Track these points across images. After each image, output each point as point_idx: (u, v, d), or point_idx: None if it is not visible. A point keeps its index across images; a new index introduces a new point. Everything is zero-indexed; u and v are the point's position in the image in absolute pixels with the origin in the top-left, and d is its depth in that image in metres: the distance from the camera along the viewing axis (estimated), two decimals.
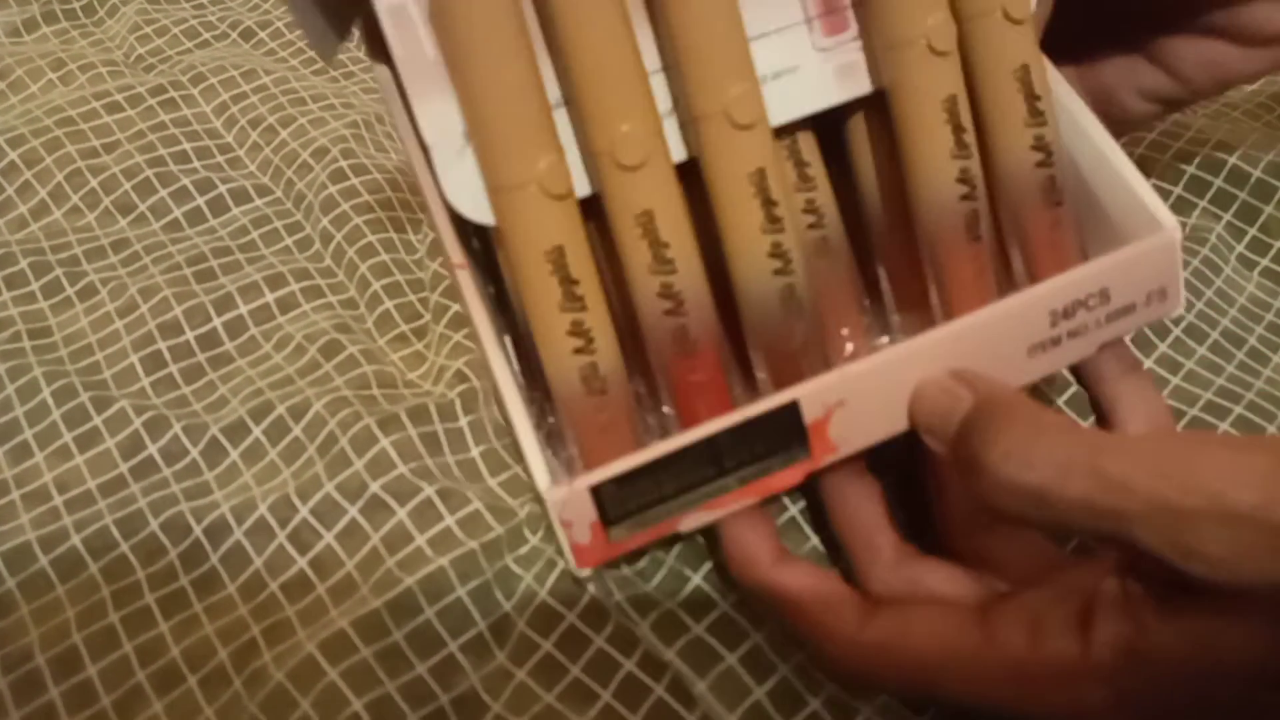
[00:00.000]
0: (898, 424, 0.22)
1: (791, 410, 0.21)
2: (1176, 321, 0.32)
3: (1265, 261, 0.35)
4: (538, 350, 0.22)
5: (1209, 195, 0.36)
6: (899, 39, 0.23)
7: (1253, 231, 0.35)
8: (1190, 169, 0.36)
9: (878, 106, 0.24)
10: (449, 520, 0.27)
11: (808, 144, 0.25)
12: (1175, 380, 0.31)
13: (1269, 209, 0.35)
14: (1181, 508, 0.17)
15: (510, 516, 0.27)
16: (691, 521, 0.22)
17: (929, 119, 0.23)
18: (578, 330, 0.21)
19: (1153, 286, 0.24)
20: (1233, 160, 0.36)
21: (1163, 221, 0.23)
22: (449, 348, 0.32)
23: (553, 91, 0.22)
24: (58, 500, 0.29)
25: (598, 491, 0.21)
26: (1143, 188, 0.24)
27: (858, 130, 0.25)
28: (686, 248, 0.22)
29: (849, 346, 0.26)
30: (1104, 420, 0.25)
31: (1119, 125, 0.29)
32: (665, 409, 0.23)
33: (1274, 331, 0.33)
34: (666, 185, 0.22)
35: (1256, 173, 0.36)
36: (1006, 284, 0.25)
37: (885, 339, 0.27)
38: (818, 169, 0.25)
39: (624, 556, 0.25)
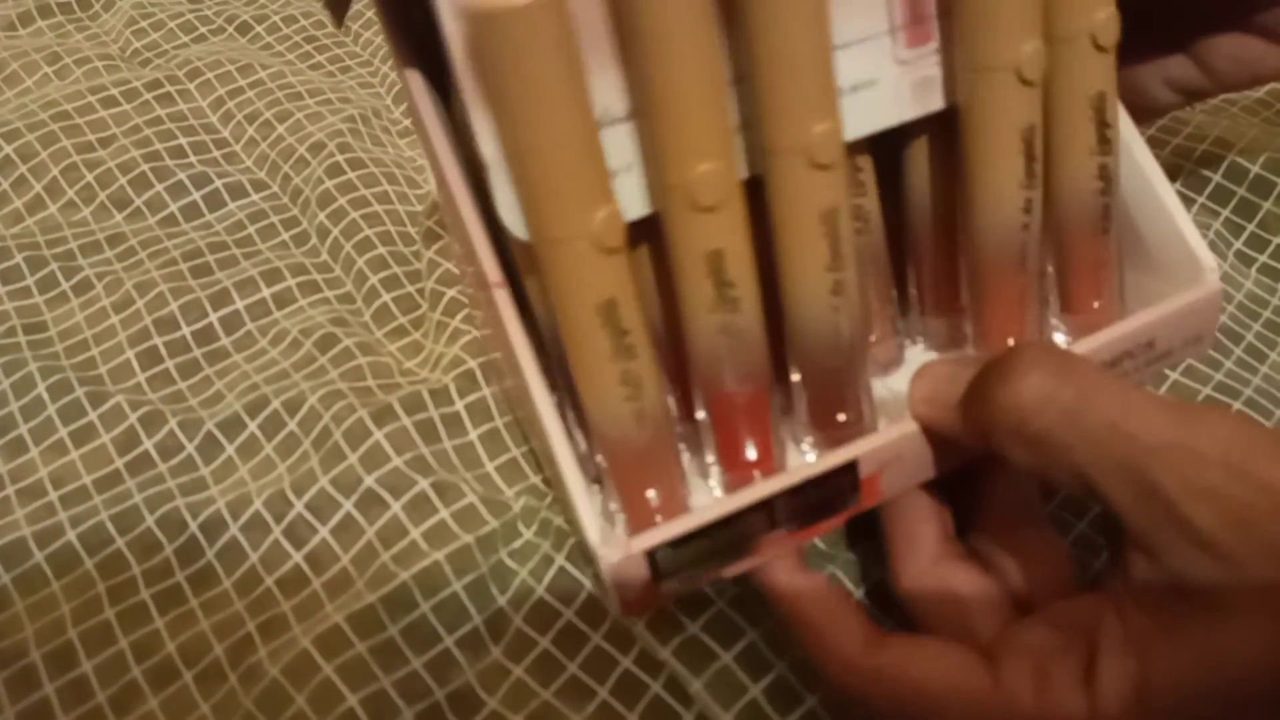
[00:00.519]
0: (942, 467, 0.23)
1: (849, 469, 0.22)
2: None
3: (1263, 258, 0.35)
4: (580, 395, 0.21)
5: (1207, 191, 0.36)
6: (987, 63, 0.21)
7: (1251, 227, 0.35)
8: (1188, 165, 0.36)
9: (944, 121, 0.23)
10: (444, 514, 0.27)
11: (862, 149, 0.24)
12: (1174, 375, 0.31)
13: (1267, 205, 0.35)
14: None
15: (505, 510, 0.27)
16: (735, 569, 0.22)
17: (1005, 147, 0.22)
18: (628, 380, 0.21)
19: (1191, 334, 0.24)
20: (1231, 156, 0.36)
21: (1205, 266, 0.23)
22: (446, 334, 0.32)
23: (602, 103, 0.20)
24: (53, 496, 0.29)
25: (652, 554, 0.21)
26: (1188, 227, 0.23)
27: (919, 142, 0.25)
28: (750, 287, 0.21)
29: (879, 351, 0.26)
30: None
31: (1140, 113, 0.29)
32: (699, 414, 0.23)
33: (1271, 327, 0.33)
34: (740, 226, 0.21)
35: (1255, 169, 0.36)
36: (1037, 300, 0.25)
37: (908, 342, 0.27)
38: (869, 174, 0.24)
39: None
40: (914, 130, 0.24)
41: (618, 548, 0.20)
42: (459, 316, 0.32)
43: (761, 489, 0.21)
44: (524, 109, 0.18)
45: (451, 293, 0.33)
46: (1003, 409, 0.19)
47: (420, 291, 0.34)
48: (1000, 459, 0.20)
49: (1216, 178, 0.36)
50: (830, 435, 0.23)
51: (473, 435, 0.29)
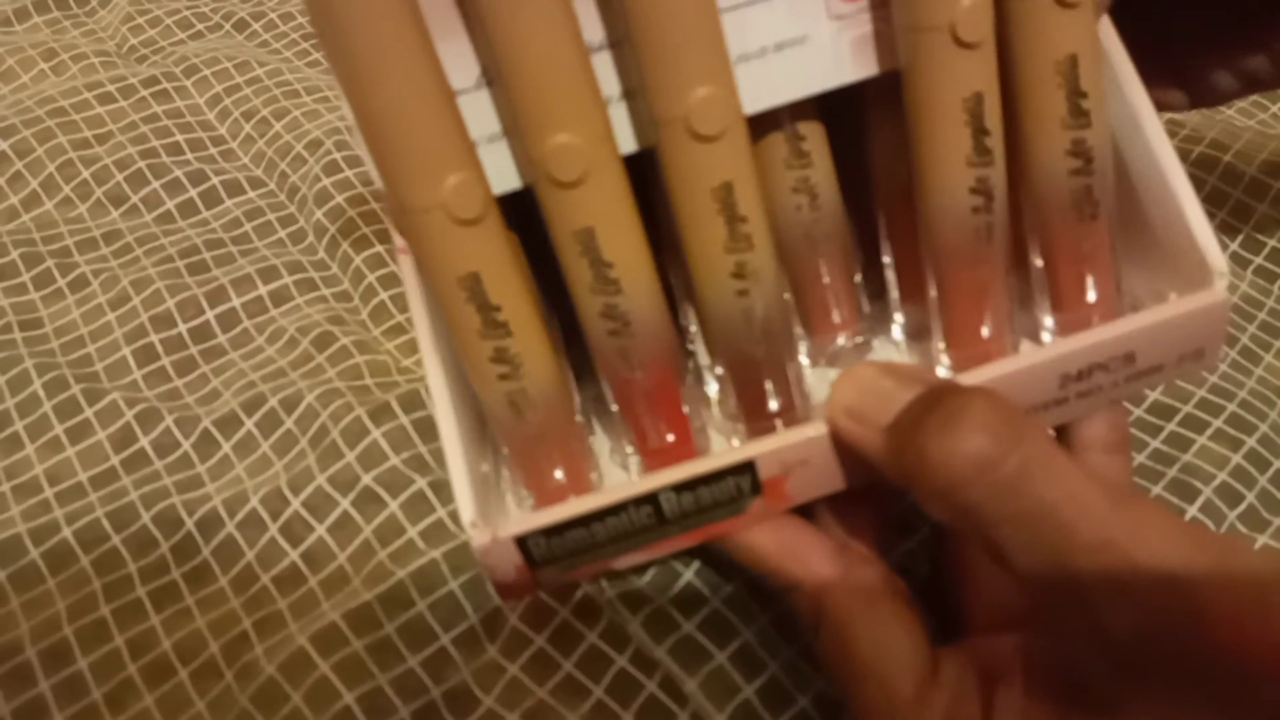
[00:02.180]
0: (850, 481, 0.21)
1: (746, 469, 0.20)
2: None
3: (1259, 260, 0.35)
4: (467, 374, 0.20)
5: (1203, 193, 0.36)
6: (920, 21, 0.19)
7: (1246, 229, 0.35)
8: (1184, 167, 0.36)
9: (895, 81, 0.21)
10: (441, 512, 0.27)
11: (807, 115, 0.22)
12: None
13: (1262, 207, 0.35)
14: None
15: None
16: (625, 562, 0.21)
17: (946, 119, 0.19)
18: (501, 357, 0.20)
19: (1188, 348, 0.21)
20: (1226, 159, 0.36)
21: (1213, 270, 0.20)
22: None
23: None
24: (49, 492, 0.29)
25: (523, 541, 0.20)
26: (1199, 221, 0.21)
27: (876, 109, 0.22)
28: (633, 267, 0.20)
29: (840, 338, 0.24)
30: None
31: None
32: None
33: (1266, 330, 0.33)
34: (614, 201, 0.19)
35: (1250, 171, 0.36)
36: (1026, 294, 0.23)
37: (893, 330, 0.25)
38: (816, 143, 0.22)
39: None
40: (871, 94, 0.22)
41: (485, 531, 0.19)
42: None
43: (646, 482, 0.20)
44: (364, 71, 0.17)
45: None
46: (933, 466, 0.17)
47: None
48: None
49: (1212, 180, 0.36)
50: (761, 427, 0.22)
51: None
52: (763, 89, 0.20)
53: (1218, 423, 0.30)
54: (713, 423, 0.23)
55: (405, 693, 0.24)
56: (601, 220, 0.19)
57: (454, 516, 0.27)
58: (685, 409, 0.22)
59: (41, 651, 0.26)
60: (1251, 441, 0.29)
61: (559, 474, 0.21)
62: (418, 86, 0.17)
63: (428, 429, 0.29)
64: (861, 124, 0.23)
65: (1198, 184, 0.36)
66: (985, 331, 0.22)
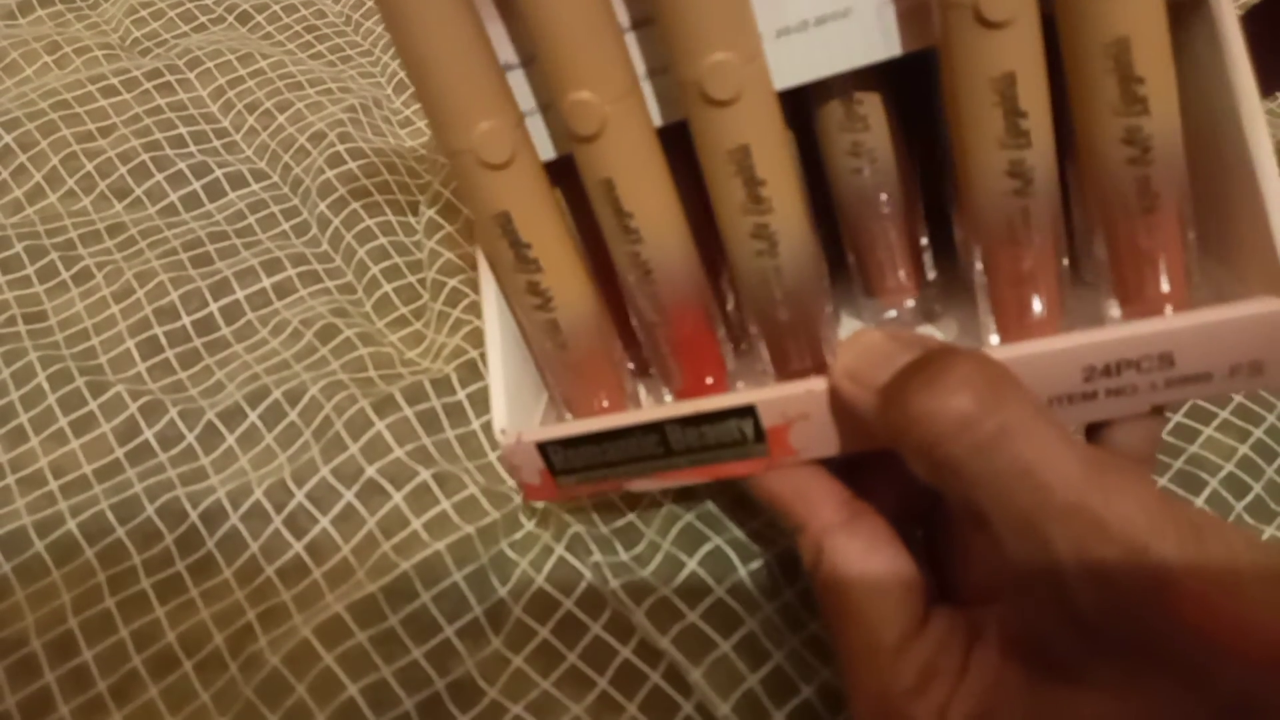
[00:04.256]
0: (850, 444, 0.21)
1: (747, 413, 0.21)
2: None
3: None
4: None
5: None
6: None
7: None
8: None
9: None
10: (445, 504, 0.27)
11: (864, 81, 0.22)
12: None
13: None
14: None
15: (506, 501, 0.27)
16: (641, 485, 0.22)
17: (975, 99, 0.19)
18: (534, 290, 0.22)
19: (1241, 359, 0.19)
20: None
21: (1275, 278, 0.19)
22: (448, 325, 0.32)
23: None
24: (53, 485, 0.29)
25: (544, 447, 0.22)
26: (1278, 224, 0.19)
27: (936, 84, 0.22)
28: (653, 217, 0.21)
29: (909, 301, 0.24)
30: None
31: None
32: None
33: None
34: (632, 153, 0.20)
35: None
36: (1077, 289, 0.22)
37: (934, 318, 0.25)
38: (873, 108, 0.22)
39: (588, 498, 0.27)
40: (937, 68, 0.21)
41: (512, 434, 0.22)
42: (461, 306, 0.32)
43: (655, 412, 0.21)
44: (410, 27, 0.19)
45: (453, 283, 0.33)
46: (916, 421, 0.17)
47: (421, 282, 0.34)
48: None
49: None
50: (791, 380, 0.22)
51: (475, 425, 0.29)
52: (802, 62, 0.20)
53: (1224, 414, 0.30)
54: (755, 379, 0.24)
55: (409, 684, 0.24)
56: (621, 172, 0.20)
57: (458, 508, 0.27)
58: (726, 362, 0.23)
59: (47, 643, 0.26)
60: (1259, 433, 0.29)
61: (606, 403, 0.23)
62: (454, 42, 0.19)
63: (431, 421, 0.29)
64: (931, 92, 0.23)
65: None
66: (1035, 313, 0.21)
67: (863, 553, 0.21)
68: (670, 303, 0.22)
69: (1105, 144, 0.20)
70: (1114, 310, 0.22)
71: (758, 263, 0.21)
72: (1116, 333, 0.19)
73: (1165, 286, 0.21)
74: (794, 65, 0.21)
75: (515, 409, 0.23)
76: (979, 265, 0.22)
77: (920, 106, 0.23)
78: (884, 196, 0.23)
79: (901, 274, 0.24)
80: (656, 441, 0.22)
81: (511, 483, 0.28)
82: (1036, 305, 0.21)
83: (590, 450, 0.22)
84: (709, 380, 0.23)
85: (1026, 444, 0.17)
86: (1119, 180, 0.20)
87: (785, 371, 0.23)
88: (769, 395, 0.21)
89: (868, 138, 0.22)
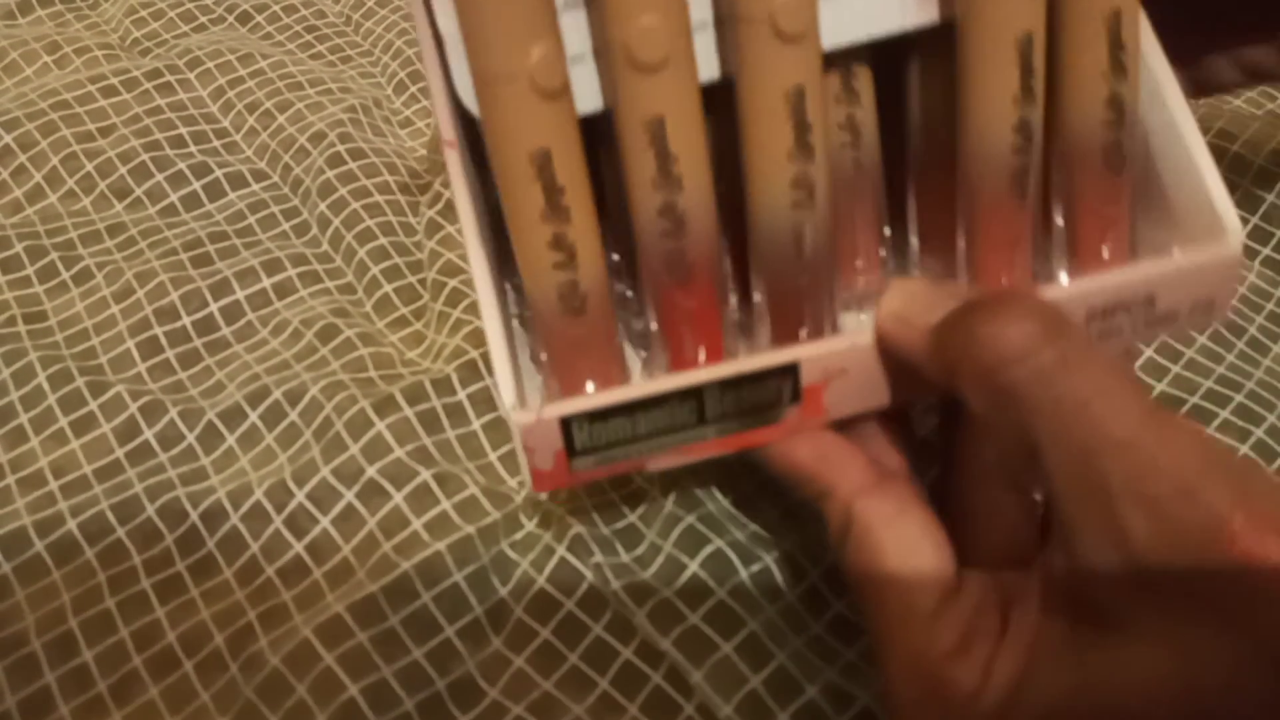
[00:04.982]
0: (885, 399, 0.21)
1: (789, 371, 0.20)
2: None
3: (1267, 250, 0.35)
4: (516, 259, 0.20)
5: None
6: None
7: (1254, 220, 0.35)
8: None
9: (948, 33, 0.21)
10: (445, 505, 0.27)
11: (859, 56, 0.23)
12: (1176, 368, 0.31)
13: (1270, 198, 0.35)
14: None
15: (507, 501, 0.27)
16: (659, 463, 0.21)
17: (997, 57, 0.20)
18: (559, 244, 0.20)
19: (1201, 297, 0.22)
20: (1234, 149, 0.36)
21: (1228, 228, 0.21)
22: (449, 325, 0.32)
23: None
24: (53, 485, 0.29)
25: (567, 423, 0.20)
26: (1214, 182, 0.21)
27: (925, 59, 0.23)
28: (697, 164, 0.20)
29: (860, 281, 0.24)
30: None
31: (1200, 88, 0.27)
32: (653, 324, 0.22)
33: (1274, 321, 0.33)
34: (685, 91, 0.19)
35: (1258, 161, 0.35)
36: (1043, 247, 0.23)
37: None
38: (865, 85, 0.23)
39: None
40: (921, 47, 0.23)
41: (530, 411, 0.20)
42: (461, 306, 0.32)
43: (693, 376, 0.20)
44: None
45: (453, 283, 0.33)
46: (980, 347, 0.18)
47: (422, 282, 0.34)
48: (962, 409, 0.19)
49: (1220, 170, 0.36)
50: None
51: (476, 425, 0.29)
52: (841, 25, 0.21)
53: (1225, 414, 0.30)
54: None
55: (410, 684, 0.24)
56: (674, 110, 0.19)
57: (459, 509, 0.27)
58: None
59: (47, 643, 0.26)
60: (1259, 432, 0.29)
61: (590, 388, 0.21)
62: None
63: (432, 421, 0.29)
64: (901, 83, 0.24)
65: None
66: (1009, 281, 0.22)
67: (894, 515, 0.20)
68: (694, 260, 0.21)
69: (1093, 106, 0.21)
70: (1062, 275, 0.23)
71: (791, 216, 0.20)
72: (1113, 278, 0.21)
73: (1112, 252, 0.23)
74: (841, 25, 0.21)
75: (519, 381, 0.21)
76: (961, 238, 0.23)
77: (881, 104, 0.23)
78: (862, 174, 0.23)
79: (868, 255, 0.24)
80: (691, 409, 0.20)
81: (511, 481, 0.28)
82: (1015, 271, 0.22)
83: (619, 424, 0.20)
84: (701, 356, 0.22)
85: (1085, 376, 0.17)
86: (1097, 142, 0.21)
87: (787, 339, 0.22)
88: (812, 351, 0.20)
89: (859, 111, 0.23)
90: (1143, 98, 0.22)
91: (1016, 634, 0.18)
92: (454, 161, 0.21)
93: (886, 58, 0.23)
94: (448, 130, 0.21)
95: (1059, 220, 0.23)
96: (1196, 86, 0.24)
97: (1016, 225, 0.22)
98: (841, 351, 0.20)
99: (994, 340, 0.18)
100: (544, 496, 0.28)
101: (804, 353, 0.20)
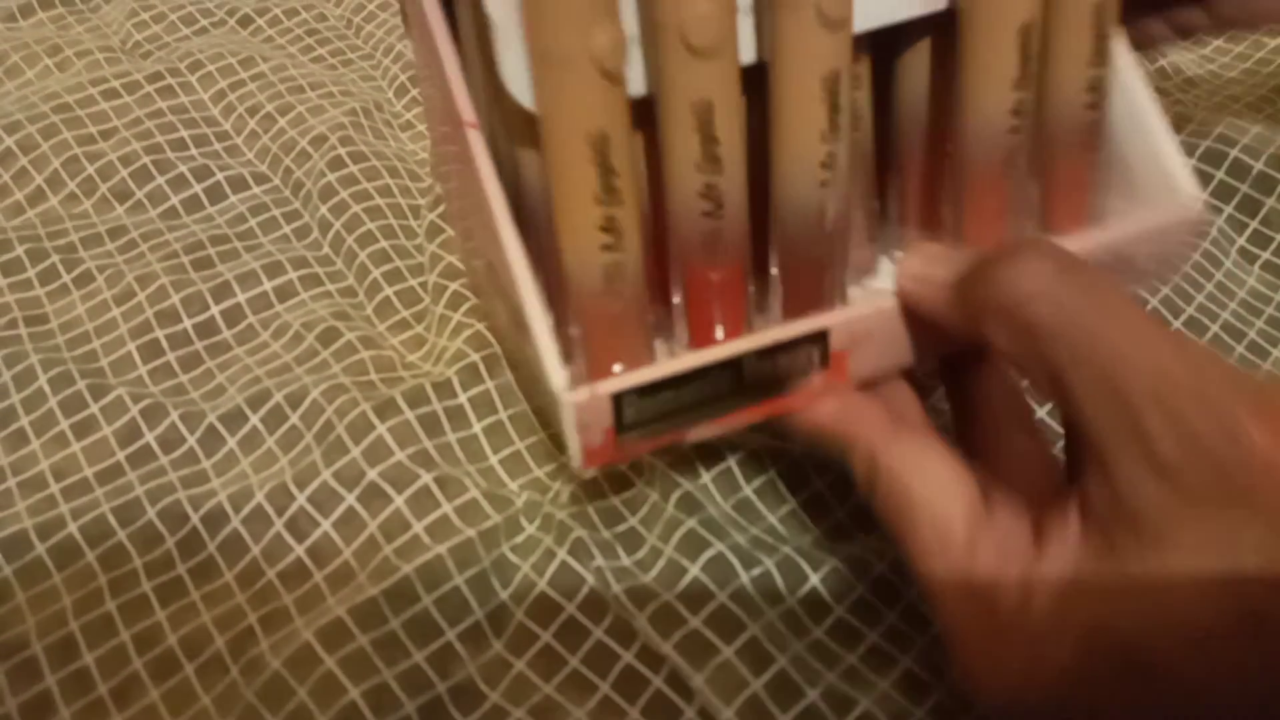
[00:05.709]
0: (904, 359, 0.23)
1: (820, 339, 0.22)
2: (1177, 314, 0.32)
3: (1266, 255, 0.35)
4: (558, 241, 0.21)
5: (1210, 188, 0.36)
6: None
7: (1254, 225, 0.35)
8: (1192, 162, 0.36)
9: (942, 28, 0.23)
10: (446, 508, 0.27)
11: (861, 48, 0.24)
12: None
13: (1270, 202, 0.35)
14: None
15: (507, 504, 0.27)
16: (699, 433, 0.22)
17: (999, 44, 0.22)
18: (610, 226, 0.20)
19: (1165, 254, 0.24)
20: (1234, 154, 0.36)
21: (1186, 195, 0.23)
22: (449, 328, 0.32)
23: None
24: (54, 488, 0.29)
25: (618, 399, 0.21)
26: (1171, 153, 0.23)
27: (917, 47, 0.24)
28: (737, 149, 0.21)
29: (854, 255, 0.25)
30: None
31: (1133, 44, 0.29)
32: (675, 299, 0.23)
33: (1274, 325, 0.33)
34: (732, 77, 0.20)
35: (1258, 166, 0.36)
36: (1020, 217, 0.25)
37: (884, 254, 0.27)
38: (865, 73, 0.24)
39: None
40: (912, 35, 0.24)
41: (583, 390, 0.20)
42: (462, 310, 0.32)
43: (731, 347, 0.21)
44: None
45: (454, 286, 0.33)
46: (1002, 288, 0.19)
47: (423, 285, 0.34)
48: (983, 360, 0.21)
49: (1220, 175, 0.36)
50: None
51: (476, 428, 0.29)
52: (864, 12, 0.22)
53: None
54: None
55: (411, 688, 0.24)
56: (721, 96, 0.20)
57: (460, 512, 0.27)
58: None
59: (48, 646, 0.26)
60: None
61: (618, 369, 0.22)
62: None
63: (433, 424, 0.29)
64: (888, 71, 0.25)
65: (1205, 178, 0.36)
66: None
67: (918, 454, 0.21)
68: (730, 238, 0.22)
69: (1075, 90, 0.23)
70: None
71: (818, 194, 0.22)
72: (1093, 239, 0.23)
73: (1086, 214, 0.24)
74: (875, 9, 0.22)
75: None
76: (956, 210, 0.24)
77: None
78: (860, 155, 0.25)
79: (864, 228, 0.25)
80: (731, 378, 0.21)
81: (513, 484, 0.28)
82: (999, 233, 0.24)
83: (666, 396, 0.21)
84: (720, 333, 0.23)
85: (1101, 304, 0.18)
86: (1079, 122, 0.23)
87: (800, 311, 0.23)
88: (840, 318, 0.22)
89: (860, 96, 0.24)
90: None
91: (1056, 555, 0.19)
92: (477, 142, 0.21)
93: (874, 46, 0.24)
94: (468, 112, 0.21)
95: (1036, 192, 0.25)
96: (1133, 43, 0.26)
97: (1005, 199, 0.23)
98: (866, 316, 0.22)
99: (1015, 281, 0.19)
100: (547, 503, 0.28)
101: (833, 320, 0.22)
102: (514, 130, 0.22)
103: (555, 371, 0.21)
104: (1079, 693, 0.18)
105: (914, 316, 0.22)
